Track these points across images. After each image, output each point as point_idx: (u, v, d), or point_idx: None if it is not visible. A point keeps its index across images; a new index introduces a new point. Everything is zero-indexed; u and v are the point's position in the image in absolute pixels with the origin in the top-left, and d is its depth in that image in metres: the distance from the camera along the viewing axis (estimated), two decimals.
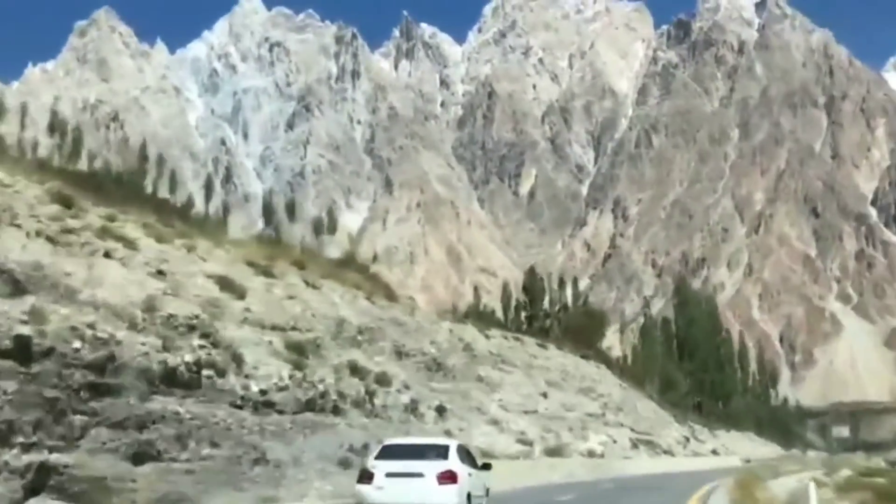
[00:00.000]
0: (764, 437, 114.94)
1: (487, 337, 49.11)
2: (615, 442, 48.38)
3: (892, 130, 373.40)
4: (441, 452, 16.51)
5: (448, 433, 28.67)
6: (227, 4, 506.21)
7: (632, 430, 52.27)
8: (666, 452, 57.22)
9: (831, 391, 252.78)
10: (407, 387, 29.86)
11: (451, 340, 39.57)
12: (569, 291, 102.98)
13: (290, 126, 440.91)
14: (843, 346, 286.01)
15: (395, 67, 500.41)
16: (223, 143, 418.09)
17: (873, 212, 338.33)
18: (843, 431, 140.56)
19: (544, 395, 46.83)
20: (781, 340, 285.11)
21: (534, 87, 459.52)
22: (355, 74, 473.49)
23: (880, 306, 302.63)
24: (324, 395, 24.53)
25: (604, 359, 72.92)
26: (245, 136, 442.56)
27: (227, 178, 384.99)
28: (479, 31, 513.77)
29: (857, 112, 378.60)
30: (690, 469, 54.19)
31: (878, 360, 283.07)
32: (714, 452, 72.21)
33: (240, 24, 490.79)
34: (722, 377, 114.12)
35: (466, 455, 17.70)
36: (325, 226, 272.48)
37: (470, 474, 16.78)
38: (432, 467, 15.80)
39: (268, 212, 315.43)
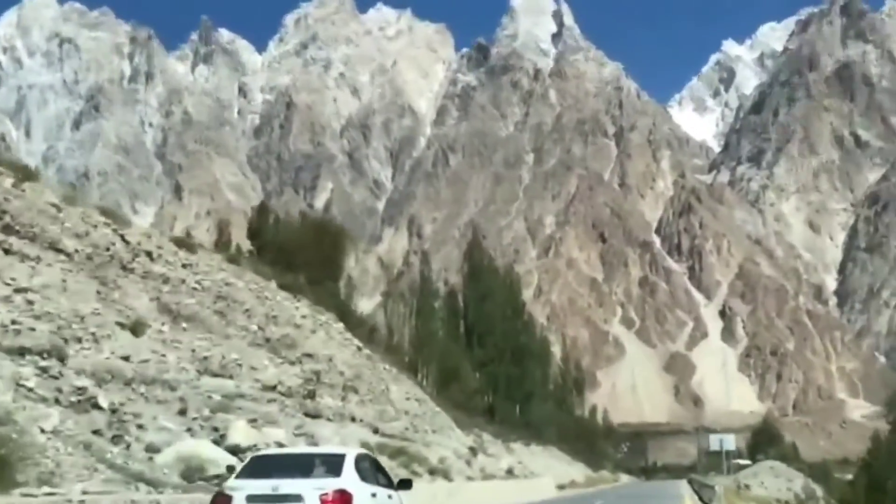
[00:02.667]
0: (568, 454, 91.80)
1: None
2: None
3: (676, 162, 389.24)
4: (332, 466, 12.35)
5: None
6: None
7: (375, 430, 28.86)
8: (436, 472, 31.85)
9: (613, 414, 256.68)
10: None
11: None
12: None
13: (76, 125, 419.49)
14: (624, 370, 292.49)
15: (192, 71, 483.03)
16: (3, 139, 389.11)
17: (657, 240, 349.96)
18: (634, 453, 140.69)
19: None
20: (576, 381, 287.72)
21: (334, 100, 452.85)
22: (149, 76, 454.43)
23: (661, 332, 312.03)
24: None
25: (342, 311, 45.78)
26: (28, 133, 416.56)
27: None
28: (281, 40, 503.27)
29: (645, 143, 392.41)
30: None
31: (657, 384, 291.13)
32: (510, 473, 47.59)
33: (29, 17, 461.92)
34: (521, 373, 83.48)
35: (372, 469, 13.51)
36: None
37: (374, 495, 12.72)
38: (316, 487, 11.65)
39: None
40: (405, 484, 14.71)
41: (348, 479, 12.19)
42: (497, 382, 77.39)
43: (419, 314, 70.49)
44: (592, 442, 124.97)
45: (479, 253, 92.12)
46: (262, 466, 12.44)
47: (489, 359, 76.56)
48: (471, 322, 79.24)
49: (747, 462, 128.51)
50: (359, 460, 12.98)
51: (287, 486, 11.65)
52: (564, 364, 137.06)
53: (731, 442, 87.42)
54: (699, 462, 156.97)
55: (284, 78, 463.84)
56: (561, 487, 58.98)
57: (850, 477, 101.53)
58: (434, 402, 47.09)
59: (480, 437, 52.99)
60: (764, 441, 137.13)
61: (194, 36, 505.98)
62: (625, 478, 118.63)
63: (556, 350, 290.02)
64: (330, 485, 11.76)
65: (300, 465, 12.48)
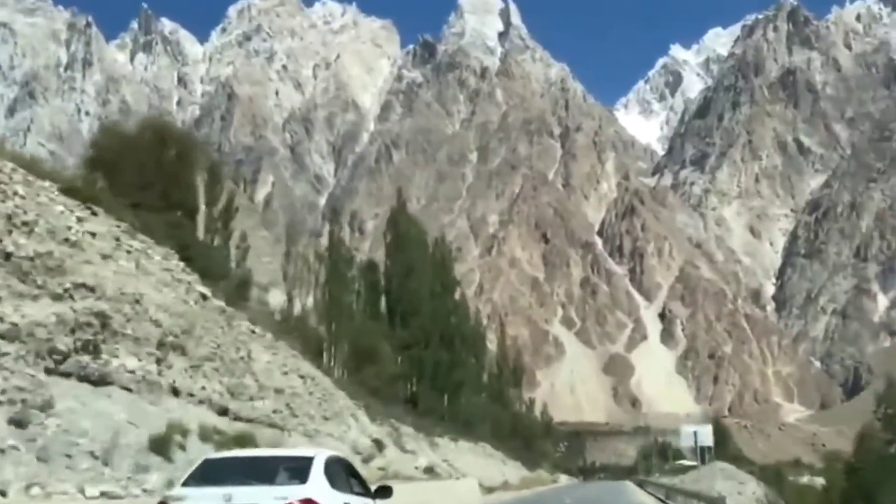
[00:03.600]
0: (504, 452, 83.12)
1: None
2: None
3: (620, 165, 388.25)
4: (297, 471, 10.23)
5: None
6: None
7: (222, 410, 21.37)
8: None
9: (552, 414, 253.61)
10: None
11: None
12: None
13: (10, 112, 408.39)
14: (564, 370, 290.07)
15: (131, 60, 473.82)
16: None
17: (599, 241, 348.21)
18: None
19: None
20: (514, 371, 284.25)
21: (276, 93, 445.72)
22: (87, 64, 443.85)
23: (601, 333, 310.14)
24: None
25: (192, 251, 32.64)
26: None
27: None
28: (223, 31, 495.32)
29: (590, 145, 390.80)
30: None
31: (596, 384, 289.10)
32: (430, 471, 40.73)
33: None
34: (451, 360, 73.04)
35: (345, 474, 11.31)
36: None
37: None
38: (277, 496, 9.64)
39: None
40: (384, 491, 12.40)
41: (316, 486, 10.05)
42: (422, 368, 66.64)
43: (329, 281, 59.36)
44: (530, 439, 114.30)
45: (405, 219, 75.57)
46: (215, 471, 10.23)
47: (414, 341, 65.50)
48: (393, 299, 67.32)
49: (693, 463, 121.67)
50: (329, 464, 10.76)
51: (242, 495, 9.55)
52: (501, 353, 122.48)
53: (707, 436, 71.20)
54: (640, 462, 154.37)
55: (226, 69, 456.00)
56: (489, 490, 50.50)
57: (804, 480, 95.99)
58: (337, 384, 40.39)
59: (397, 429, 45.30)
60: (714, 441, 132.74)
61: (134, 24, 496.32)
62: (563, 478, 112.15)
63: (495, 348, 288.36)
64: (294, 493, 9.68)
65: (260, 470, 10.36)
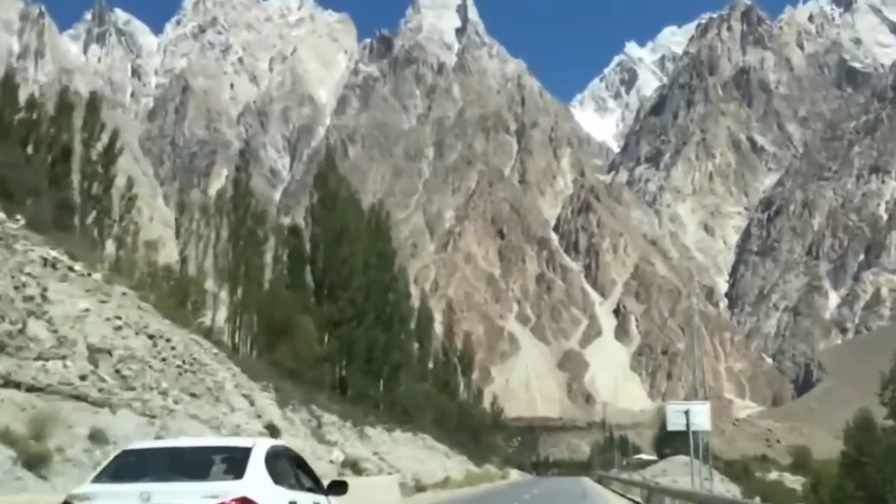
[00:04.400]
0: (449, 445, 73.37)
1: None
2: None
3: (575, 161, 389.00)
4: (233, 463, 8.35)
5: None
6: None
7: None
8: None
9: (506, 409, 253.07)
10: None
11: None
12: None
13: None
14: (519, 366, 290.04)
15: (84, 51, 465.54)
16: None
17: (555, 237, 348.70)
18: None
19: None
20: (461, 357, 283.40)
21: (231, 86, 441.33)
22: (39, 54, 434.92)
23: (556, 329, 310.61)
24: None
25: None
26: None
27: None
28: (178, 23, 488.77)
29: (546, 141, 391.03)
30: None
31: (551, 380, 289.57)
32: (352, 466, 34.88)
33: None
34: (388, 340, 64.47)
35: (291, 467, 9.31)
36: None
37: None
38: (207, 495, 7.68)
39: None
40: (337, 487, 10.25)
41: (254, 481, 8.04)
42: (353, 349, 57.04)
43: (233, 239, 48.82)
44: (478, 432, 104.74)
45: (335, 178, 63.84)
46: (132, 465, 8.31)
47: (344, 318, 55.99)
48: (319, 269, 57.13)
49: (652, 458, 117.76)
50: (271, 456, 8.67)
51: (164, 493, 7.66)
52: (448, 339, 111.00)
53: (704, 417, 47.23)
54: (595, 457, 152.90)
55: (181, 61, 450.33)
56: (420, 489, 41.67)
57: (773, 476, 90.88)
58: (232, 358, 34.48)
59: (318, 417, 39.45)
60: (675, 435, 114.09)
61: (88, 15, 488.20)
62: (515, 474, 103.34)
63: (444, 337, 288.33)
64: (227, 491, 7.69)
65: (187, 463, 8.36)
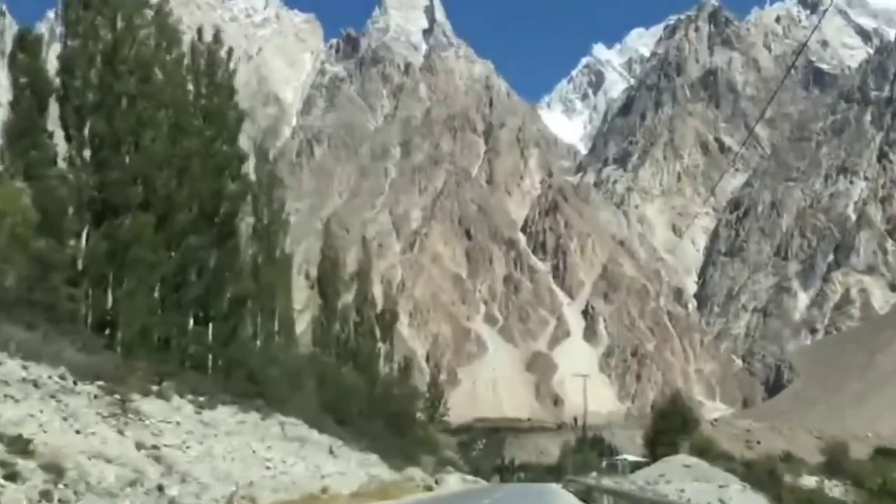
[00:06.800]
0: (343, 437, 45.27)
1: None
2: None
3: (543, 162, 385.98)
4: None
5: None
6: None
7: None
8: None
9: (473, 411, 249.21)
10: None
11: None
12: None
13: None
14: (486, 367, 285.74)
15: (47, 51, 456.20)
16: None
17: (522, 238, 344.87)
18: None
19: None
20: (428, 359, 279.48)
21: None
22: (1, 53, 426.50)
23: (524, 330, 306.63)
24: None
25: None
26: None
27: None
28: None
29: (513, 141, 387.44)
30: None
31: (519, 382, 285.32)
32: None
33: None
34: (225, 258, 38.12)
35: None
36: None
37: None
38: None
39: None
40: None
41: None
42: (126, 259, 30.79)
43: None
44: (404, 421, 73.20)
45: None
46: None
47: (113, 204, 31.03)
48: (73, 109, 31.47)
49: (639, 459, 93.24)
50: None
51: None
52: (361, 290, 76.09)
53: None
54: (566, 459, 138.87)
55: None
56: None
57: (805, 481, 63.68)
58: None
59: (34, 381, 19.49)
60: (673, 429, 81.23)
61: (51, 14, 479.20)
62: (453, 480, 63.92)
63: (419, 349, 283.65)
64: None
65: None
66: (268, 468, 27.36)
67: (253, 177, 47.69)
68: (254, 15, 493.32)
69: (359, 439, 50.39)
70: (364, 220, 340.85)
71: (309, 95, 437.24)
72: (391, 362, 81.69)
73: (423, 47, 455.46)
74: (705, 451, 70.96)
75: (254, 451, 27.97)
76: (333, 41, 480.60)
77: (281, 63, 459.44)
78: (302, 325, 74.49)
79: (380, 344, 76.45)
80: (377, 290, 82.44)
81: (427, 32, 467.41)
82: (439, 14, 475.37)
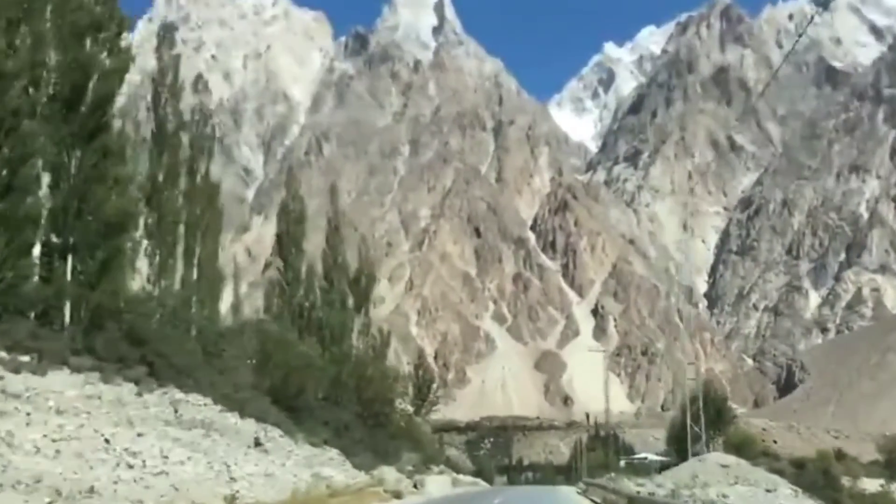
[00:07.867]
0: (282, 425, 35.19)
1: None
2: None
3: (553, 160, 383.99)
4: None
5: None
6: None
7: None
8: None
9: (481, 411, 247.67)
10: None
11: None
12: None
13: None
14: (495, 366, 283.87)
15: None
16: None
17: (532, 236, 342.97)
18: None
19: None
20: (436, 357, 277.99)
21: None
22: None
23: (533, 329, 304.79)
24: None
25: None
26: None
27: None
28: (150, 20, 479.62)
29: (523, 139, 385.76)
30: None
31: (528, 381, 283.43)
32: None
33: None
34: (97, 168, 28.53)
35: None
36: None
37: None
38: None
39: None
40: None
41: None
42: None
43: None
44: (376, 408, 58.72)
45: None
46: None
47: None
48: None
49: (660, 458, 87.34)
50: None
51: None
52: (331, 244, 65.46)
53: None
54: (577, 459, 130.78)
55: (153, 59, 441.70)
56: None
57: (866, 485, 57.64)
58: None
59: None
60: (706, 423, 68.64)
61: None
62: (436, 485, 46.45)
63: (428, 347, 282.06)
64: None
65: None
66: (130, 467, 19.12)
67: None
68: (262, 12, 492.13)
69: (315, 430, 40.85)
70: (373, 219, 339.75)
71: (318, 93, 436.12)
72: (366, 337, 64.99)
73: (433, 45, 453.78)
74: (741, 447, 61.63)
75: (107, 441, 19.91)
76: (342, 39, 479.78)
77: (290, 60, 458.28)
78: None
79: (354, 316, 62.13)
80: (352, 254, 67.11)
81: (436, 30, 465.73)
82: (449, 11, 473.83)
